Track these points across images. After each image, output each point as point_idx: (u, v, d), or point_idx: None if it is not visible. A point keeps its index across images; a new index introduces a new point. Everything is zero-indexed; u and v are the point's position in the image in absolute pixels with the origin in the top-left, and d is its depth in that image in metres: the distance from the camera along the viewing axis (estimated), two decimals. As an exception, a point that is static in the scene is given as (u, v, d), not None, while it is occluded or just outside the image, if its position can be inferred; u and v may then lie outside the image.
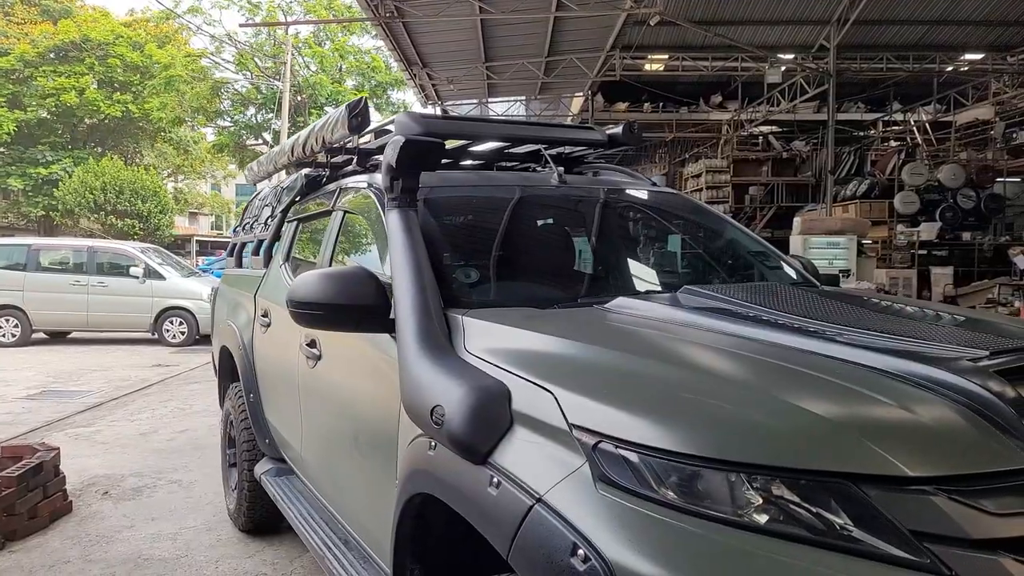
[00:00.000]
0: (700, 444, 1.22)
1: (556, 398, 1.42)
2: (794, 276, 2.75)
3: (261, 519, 3.82)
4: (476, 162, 3.49)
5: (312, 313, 2.05)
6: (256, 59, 30.10)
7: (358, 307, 2.03)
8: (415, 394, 1.72)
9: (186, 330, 12.16)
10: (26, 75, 27.48)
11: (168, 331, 12.18)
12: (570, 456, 1.34)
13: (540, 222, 2.62)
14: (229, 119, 32.69)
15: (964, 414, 1.28)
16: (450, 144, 3.07)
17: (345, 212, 2.90)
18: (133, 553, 3.70)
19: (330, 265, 2.85)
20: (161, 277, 12.34)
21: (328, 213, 3.09)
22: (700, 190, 21.99)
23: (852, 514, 1.14)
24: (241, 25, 28.88)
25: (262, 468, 3.56)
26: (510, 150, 3.20)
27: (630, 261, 2.65)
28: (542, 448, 1.40)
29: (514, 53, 15.29)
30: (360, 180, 2.89)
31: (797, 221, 16.30)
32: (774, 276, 2.72)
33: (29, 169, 27.21)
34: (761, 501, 1.17)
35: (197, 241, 37.63)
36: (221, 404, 4.44)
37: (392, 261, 2.09)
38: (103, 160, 25.40)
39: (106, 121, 29.27)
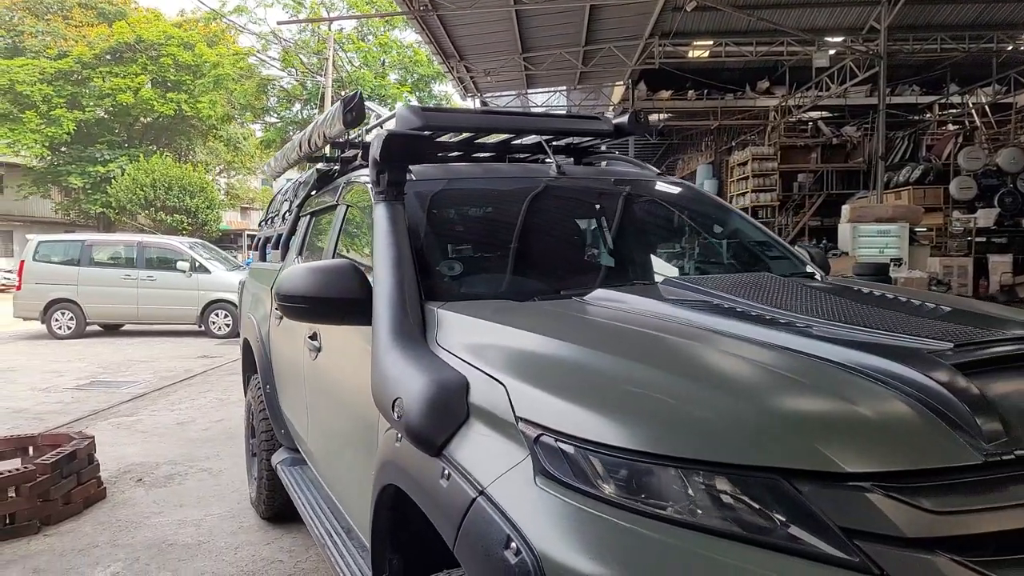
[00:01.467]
0: (633, 438, 1.20)
1: (507, 390, 1.42)
2: (795, 267, 2.67)
3: (280, 507, 3.90)
4: (489, 154, 3.48)
5: (298, 306, 2.08)
6: (301, 56, 30.64)
7: (342, 300, 2.05)
8: (381, 386, 1.73)
9: (231, 322, 12.47)
10: (84, 76, 28.49)
11: (214, 323, 12.53)
12: (515, 449, 1.34)
13: (530, 214, 2.59)
14: (276, 115, 33.41)
15: (914, 408, 1.23)
16: (453, 138, 3.07)
17: (348, 206, 2.93)
18: (158, 539, 3.83)
19: (333, 258, 2.88)
20: (207, 271, 12.69)
21: (335, 207, 3.12)
22: (746, 178, 21.53)
23: (783, 510, 1.11)
24: (279, 23, 29.45)
25: (278, 457, 3.64)
26: (516, 142, 3.18)
27: (619, 252, 2.61)
28: (492, 441, 1.40)
29: (551, 43, 15.19)
30: (363, 174, 2.91)
31: (845, 209, 15.86)
32: (777, 267, 2.64)
33: (88, 167, 28.26)
34: (693, 496, 1.15)
35: (248, 235, 38.55)
36: (245, 395, 4.54)
37: (374, 253, 2.10)
38: (153, 158, 26.20)
39: (160, 120, 30.20)
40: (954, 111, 20.01)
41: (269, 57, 31.54)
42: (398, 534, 1.85)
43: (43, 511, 3.96)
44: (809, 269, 2.65)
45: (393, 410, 1.62)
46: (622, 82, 18.47)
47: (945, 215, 15.62)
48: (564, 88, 19.87)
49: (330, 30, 26.42)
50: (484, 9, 12.68)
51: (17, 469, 4.04)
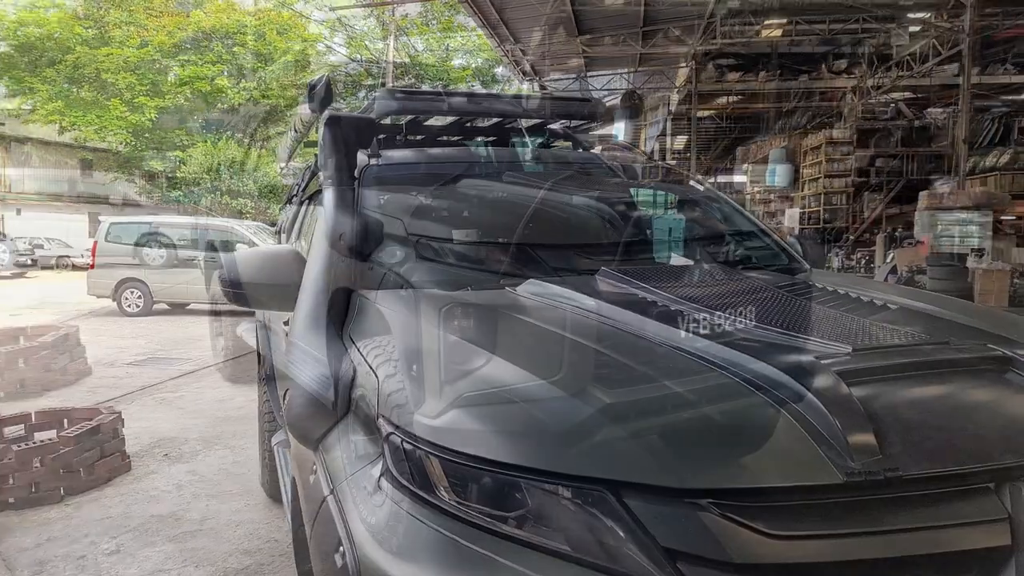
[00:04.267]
0: (470, 442, 1.12)
1: (379, 384, 1.35)
2: (778, 259, 2.46)
3: (284, 487, 3.96)
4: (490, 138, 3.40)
5: (236, 291, 2.06)
6: (366, 43, 31.09)
7: (279, 286, 2.02)
8: (282, 376, 1.70)
9: (287, 303, 12.80)
10: (164, 65, 29.67)
11: (272, 304, 12.89)
12: (372, 448, 1.28)
13: (493, 201, 2.49)
14: (342, 101, 34.01)
15: (775, 418, 1.10)
16: (437, 121, 3.01)
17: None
18: (168, 513, 3.95)
19: (311, 242, 2.87)
20: (265, 253, 13.04)
21: (320, 192, 3.11)
22: (819, 163, 20.68)
23: (610, 526, 1.02)
24: (332, 8, 29.79)
25: (277, 439, 3.68)
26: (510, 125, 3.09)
27: (573, 241, 2.47)
28: (359, 438, 1.35)
29: (607, 24, 14.86)
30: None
31: (923, 196, 15.05)
32: (759, 258, 2.46)
33: (168, 152, 29.49)
34: (526, 507, 1.07)
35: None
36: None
37: (314, 238, 2.07)
38: (220, 142, 27.01)
39: (237, 107, 31.16)
40: (1051, 90, 18.65)
41: (336, 44, 32.16)
42: None
43: (66, 481, 4.14)
44: (793, 261, 2.45)
45: (282, 402, 1.59)
46: (685, 63, 17.94)
47: (1033, 203, 14.64)
48: (625, 71, 19.46)
49: (394, 15, 26.65)
50: (537, -10, 12.52)
51: (45, 440, 4.25)
